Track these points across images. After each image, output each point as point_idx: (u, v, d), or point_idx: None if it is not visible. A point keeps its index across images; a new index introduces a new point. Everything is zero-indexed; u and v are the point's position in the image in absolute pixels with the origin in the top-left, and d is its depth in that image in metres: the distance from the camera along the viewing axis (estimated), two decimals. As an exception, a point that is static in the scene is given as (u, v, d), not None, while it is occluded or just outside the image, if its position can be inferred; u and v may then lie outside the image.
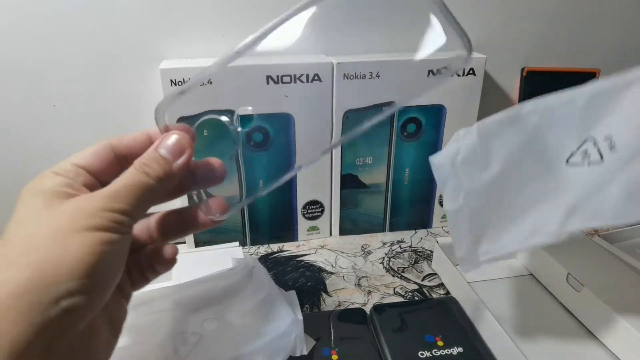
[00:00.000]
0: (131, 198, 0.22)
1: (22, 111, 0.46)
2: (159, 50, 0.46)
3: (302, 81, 0.44)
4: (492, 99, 0.54)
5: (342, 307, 0.41)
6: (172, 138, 0.24)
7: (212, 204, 0.27)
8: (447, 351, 0.34)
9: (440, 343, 0.35)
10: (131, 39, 0.45)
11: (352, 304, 0.42)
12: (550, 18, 0.52)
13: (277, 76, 0.43)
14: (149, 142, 0.25)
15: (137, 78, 0.46)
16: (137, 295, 0.27)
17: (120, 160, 0.25)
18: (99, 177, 0.24)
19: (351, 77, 0.44)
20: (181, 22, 0.45)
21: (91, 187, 0.24)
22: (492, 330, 0.35)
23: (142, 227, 0.27)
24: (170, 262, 0.27)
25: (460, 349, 0.35)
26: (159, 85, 0.42)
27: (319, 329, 0.37)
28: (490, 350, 0.35)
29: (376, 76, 0.45)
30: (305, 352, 0.34)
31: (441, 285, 0.44)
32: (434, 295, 0.43)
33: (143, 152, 0.24)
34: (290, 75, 0.43)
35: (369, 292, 0.43)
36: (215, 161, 0.27)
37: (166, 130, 0.25)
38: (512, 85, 0.54)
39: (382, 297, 0.43)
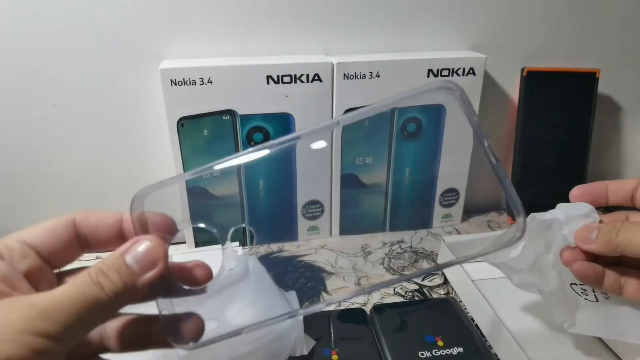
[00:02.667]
0: (70, 318, 0.17)
1: (22, 111, 0.46)
2: (159, 50, 0.45)
3: (302, 81, 0.44)
4: (492, 99, 0.54)
5: (342, 307, 0.41)
6: (144, 246, 0.20)
7: (184, 325, 0.22)
8: (447, 351, 0.34)
9: (440, 343, 0.35)
10: (131, 39, 0.45)
11: (352, 304, 0.42)
12: (550, 17, 0.52)
13: (277, 76, 0.43)
14: (119, 228, 0.22)
15: (137, 78, 0.46)
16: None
17: (82, 241, 0.22)
18: (52, 260, 0.21)
19: (351, 77, 0.44)
20: (181, 22, 0.45)
21: (39, 274, 0.20)
22: (494, 329, 0.35)
23: (95, 331, 0.21)
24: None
25: (460, 349, 0.35)
26: (159, 85, 0.42)
27: (319, 329, 0.37)
28: (491, 350, 0.35)
29: (376, 76, 0.45)
30: (305, 353, 0.34)
31: (441, 285, 0.44)
32: (434, 295, 0.43)
33: (109, 238, 0.22)
34: (290, 75, 0.43)
35: (369, 292, 0.43)
36: (200, 268, 0.23)
37: (140, 222, 0.21)
38: (512, 85, 0.54)
39: (382, 297, 0.43)
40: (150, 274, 0.19)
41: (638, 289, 0.29)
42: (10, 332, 0.16)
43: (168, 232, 0.22)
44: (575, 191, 0.32)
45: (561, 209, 0.32)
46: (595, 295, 0.32)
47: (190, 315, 0.22)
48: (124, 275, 0.19)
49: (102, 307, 0.18)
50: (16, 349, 0.15)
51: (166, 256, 0.20)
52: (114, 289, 0.18)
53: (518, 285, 0.33)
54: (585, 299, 0.32)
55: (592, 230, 0.30)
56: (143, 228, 0.21)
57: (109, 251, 0.21)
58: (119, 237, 0.22)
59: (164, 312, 0.22)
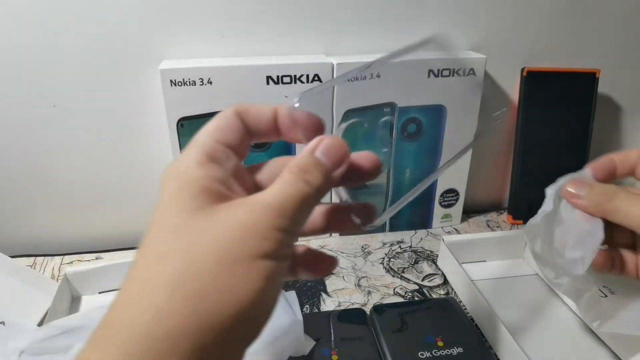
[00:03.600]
0: (296, 212, 0.19)
1: (22, 111, 0.46)
2: (159, 50, 0.45)
3: (302, 81, 0.44)
4: (492, 99, 0.54)
5: (342, 308, 0.41)
6: (332, 143, 0.21)
7: (359, 209, 0.25)
8: (447, 351, 0.34)
9: (440, 343, 0.35)
10: (131, 39, 0.45)
11: (352, 304, 0.42)
12: (550, 18, 0.52)
13: (277, 76, 0.43)
14: (274, 122, 0.23)
15: (137, 78, 0.46)
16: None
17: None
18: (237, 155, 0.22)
19: (351, 77, 0.44)
20: (181, 22, 0.45)
21: (239, 172, 0.22)
22: (494, 329, 0.35)
23: None
24: (325, 274, 0.25)
25: (460, 349, 0.35)
26: (159, 86, 0.42)
27: (318, 329, 0.37)
28: (490, 350, 0.35)
29: (377, 77, 0.45)
30: (305, 353, 0.34)
31: (441, 285, 0.44)
32: (434, 296, 0.43)
33: (267, 130, 0.23)
34: (290, 76, 0.43)
35: (369, 293, 0.43)
36: (367, 158, 0.24)
37: (305, 121, 0.23)
38: (512, 86, 0.54)
39: (382, 298, 0.43)
40: (341, 168, 0.21)
41: None
42: (262, 231, 0.18)
43: (318, 132, 0.23)
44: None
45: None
46: (600, 291, 0.32)
47: (366, 205, 0.25)
48: (322, 171, 0.21)
49: (312, 201, 0.20)
50: (271, 244, 0.18)
51: (349, 152, 0.22)
52: (318, 184, 0.20)
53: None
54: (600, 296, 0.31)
55: (583, 185, 0.28)
56: (300, 124, 0.23)
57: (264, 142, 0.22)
58: (275, 130, 0.23)
59: (350, 201, 0.26)
